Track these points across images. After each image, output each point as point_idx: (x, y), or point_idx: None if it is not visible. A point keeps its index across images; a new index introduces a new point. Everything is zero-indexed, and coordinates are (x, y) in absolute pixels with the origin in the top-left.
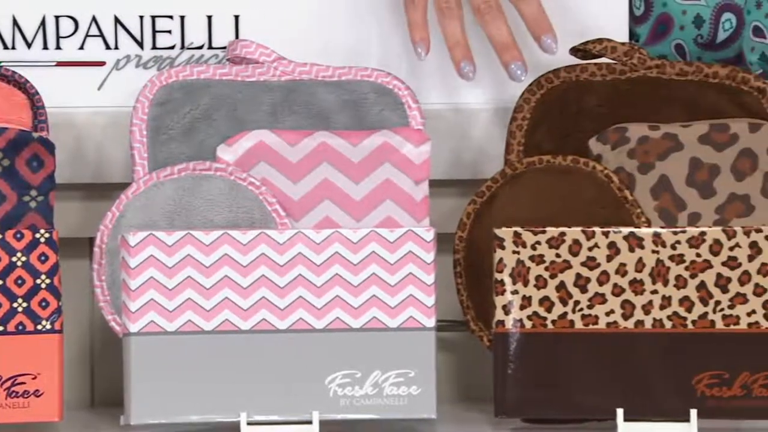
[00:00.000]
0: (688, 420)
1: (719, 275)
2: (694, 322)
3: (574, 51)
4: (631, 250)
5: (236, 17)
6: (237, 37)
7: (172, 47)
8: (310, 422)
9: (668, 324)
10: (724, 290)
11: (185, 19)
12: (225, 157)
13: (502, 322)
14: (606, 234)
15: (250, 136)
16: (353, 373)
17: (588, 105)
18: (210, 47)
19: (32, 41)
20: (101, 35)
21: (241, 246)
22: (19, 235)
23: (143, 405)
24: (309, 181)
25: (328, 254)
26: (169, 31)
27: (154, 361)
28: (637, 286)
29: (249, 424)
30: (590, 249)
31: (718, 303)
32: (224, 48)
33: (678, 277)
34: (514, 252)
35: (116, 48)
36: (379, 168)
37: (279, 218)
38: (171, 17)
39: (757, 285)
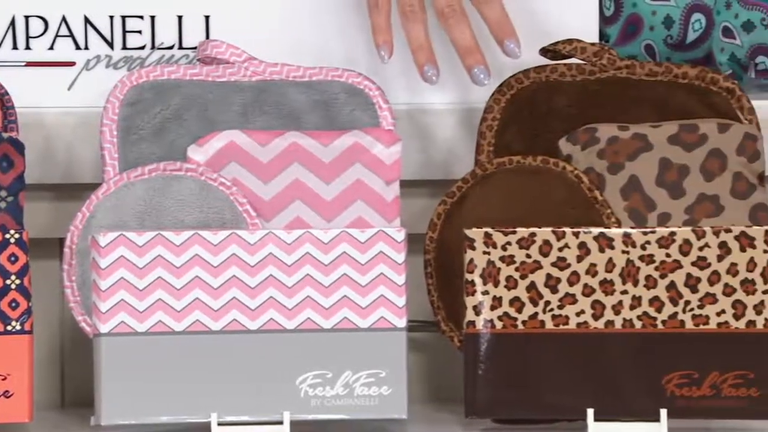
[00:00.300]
0: (658, 420)
1: (689, 275)
2: (663, 322)
3: (544, 51)
4: (602, 250)
5: (207, 17)
6: (207, 37)
7: (143, 47)
8: (281, 422)
9: (638, 324)
10: (694, 290)
11: (155, 20)
12: (196, 158)
13: (472, 323)
14: (576, 234)
15: (221, 136)
16: (324, 374)
17: (558, 105)
18: (180, 47)
19: (2, 41)
20: (71, 35)
21: (211, 246)
22: None
23: (113, 405)
24: (280, 182)
25: (298, 255)
26: (140, 32)
27: (125, 362)
28: (607, 286)
29: (220, 424)
30: (560, 249)
31: (687, 303)
32: (195, 48)
33: (648, 278)
34: (485, 252)
35: (86, 48)
36: (350, 168)
37: (250, 218)
38: (141, 17)
39: (726, 285)
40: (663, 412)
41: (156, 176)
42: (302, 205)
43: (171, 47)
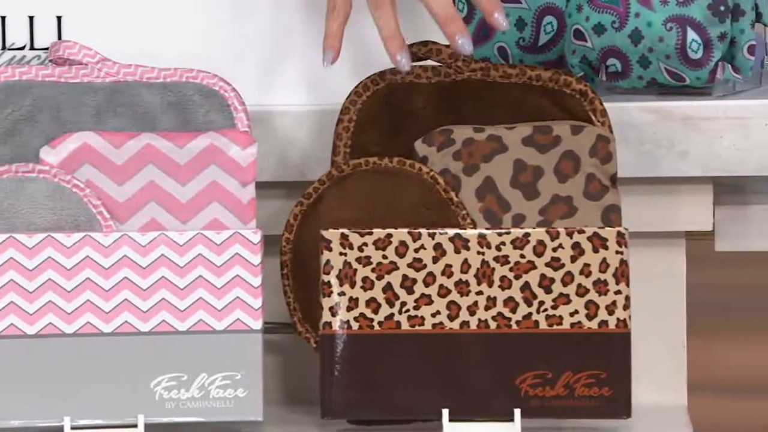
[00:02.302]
0: (512, 419)
1: (543, 276)
2: (518, 322)
3: None
4: (457, 251)
5: (59, 18)
6: (59, 38)
7: None
8: (135, 426)
9: (493, 324)
10: (548, 291)
11: (6, 20)
12: (48, 159)
13: (329, 324)
14: (432, 235)
15: (74, 137)
16: (179, 376)
17: (414, 107)
18: (32, 48)
19: None
20: None
21: (65, 249)
22: None
23: None
24: (134, 183)
25: (153, 257)
26: None
27: None
28: (462, 287)
29: (73, 428)
30: (416, 250)
31: (541, 303)
32: (47, 49)
33: (503, 278)
34: (341, 254)
35: None
36: (206, 170)
37: (104, 220)
38: None
39: (579, 285)
40: (517, 412)
41: (8, 178)
42: (157, 207)
43: (22, 48)
